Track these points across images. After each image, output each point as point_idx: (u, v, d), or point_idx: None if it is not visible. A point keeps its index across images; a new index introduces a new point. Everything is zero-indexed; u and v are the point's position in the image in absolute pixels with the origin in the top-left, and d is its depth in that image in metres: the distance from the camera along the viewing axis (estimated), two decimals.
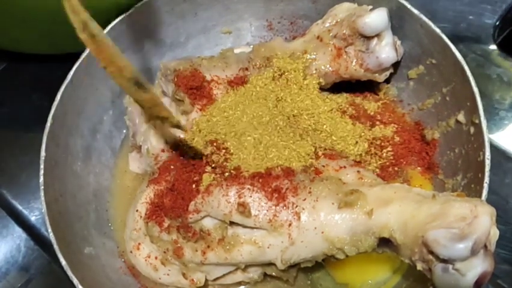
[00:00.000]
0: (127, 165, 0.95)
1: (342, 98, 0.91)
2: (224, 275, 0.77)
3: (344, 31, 0.85)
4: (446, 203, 0.62)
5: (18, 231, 0.95)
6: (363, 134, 0.86)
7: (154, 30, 0.96)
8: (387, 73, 0.88)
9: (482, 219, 0.59)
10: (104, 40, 0.56)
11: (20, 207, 0.96)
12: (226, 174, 0.73)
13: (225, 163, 0.75)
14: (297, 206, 0.69)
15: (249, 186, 0.70)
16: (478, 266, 0.59)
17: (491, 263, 0.60)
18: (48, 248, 0.87)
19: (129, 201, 0.89)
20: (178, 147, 0.82)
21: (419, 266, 0.64)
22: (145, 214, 0.78)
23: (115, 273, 0.82)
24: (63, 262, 0.73)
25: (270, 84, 0.87)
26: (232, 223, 0.71)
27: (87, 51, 0.87)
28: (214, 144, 0.77)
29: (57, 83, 0.85)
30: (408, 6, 0.84)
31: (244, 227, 0.71)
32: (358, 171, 0.75)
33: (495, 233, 0.61)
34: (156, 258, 0.77)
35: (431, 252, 0.61)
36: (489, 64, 1.01)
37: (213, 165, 0.75)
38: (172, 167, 0.79)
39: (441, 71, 0.84)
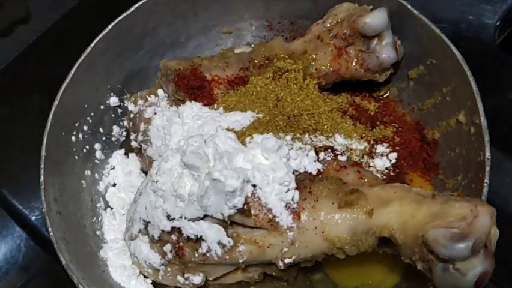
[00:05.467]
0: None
1: (342, 98, 0.91)
2: (224, 275, 0.77)
3: (344, 31, 0.85)
4: (446, 202, 0.62)
5: (18, 231, 0.95)
6: (364, 135, 0.86)
7: (154, 30, 0.96)
8: (388, 73, 0.88)
9: (482, 218, 0.59)
10: None
11: (20, 207, 0.96)
12: None
13: None
14: (297, 206, 0.69)
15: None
16: (478, 266, 0.59)
17: (491, 262, 0.60)
18: (48, 248, 0.87)
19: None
20: None
21: (420, 266, 0.64)
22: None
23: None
24: (63, 262, 0.73)
25: (270, 84, 0.87)
26: (232, 223, 0.71)
27: (87, 51, 0.87)
28: None
29: (58, 83, 0.85)
30: (409, 6, 0.84)
31: (245, 226, 0.71)
32: (358, 171, 0.75)
33: (495, 233, 0.61)
34: (156, 258, 0.77)
35: (432, 252, 0.61)
36: (489, 64, 1.01)
37: None
38: None
39: (442, 71, 0.84)
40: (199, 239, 0.72)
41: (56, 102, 0.84)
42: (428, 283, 0.65)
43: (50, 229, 0.75)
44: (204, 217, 0.71)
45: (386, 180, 0.82)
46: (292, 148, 0.77)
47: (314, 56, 0.87)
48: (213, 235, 0.71)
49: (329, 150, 0.79)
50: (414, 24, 0.84)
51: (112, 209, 0.90)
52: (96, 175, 0.92)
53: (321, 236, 0.69)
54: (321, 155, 0.78)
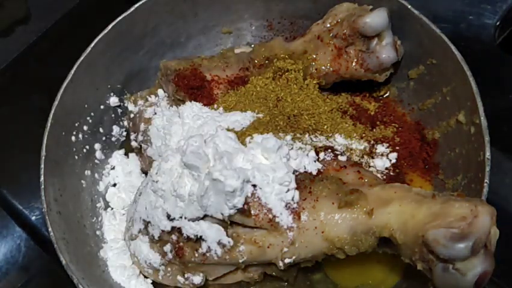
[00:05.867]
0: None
1: (342, 98, 0.91)
2: (224, 275, 0.76)
3: (344, 31, 0.85)
4: (446, 202, 0.62)
5: (18, 231, 0.95)
6: (364, 135, 0.86)
7: (154, 30, 0.96)
8: (388, 73, 0.88)
9: (482, 218, 0.59)
10: None
11: (20, 207, 0.96)
12: None
13: None
14: (297, 206, 0.69)
15: None
16: (478, 266, 0.59)
17: (491, 262, 0.60)
18: (48, 248, 0.87)
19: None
20: None
21: (420, 266, 0.64)
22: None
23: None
24: (63, 262, 0.73)
25: (270, 84, 0.87)
26: (232, 223, 0.71)
27: (87, 51, 0.87)
28: None
29: (58, 83, 0.85)
30: (409, 6, 0.84)
31: (245, 226, 0.71)
32: (358, 171, 0.75)
33: (495, 233, 0.61)
34: (156, 258, 0.77)
35: (432, 252, 0.61)
36: (489, 64, 1.01)
37: None
38: None
39: (442, 71, 0.84)
40: (199, 239, 0.72)
41: (56, 102, 0.84)
42: (428, 283, 0.65)
43: (50, 229, 0.75)
44: (204, 217, 0.71)
45: (386, 180, 0.82)
46: (292, 148, 0.77)
47: (314, 56, 0.87)
48: (213, 235, 0.71)
49: (329, 150, 0.79)
50: (414, 24, 0.84)
51: (112, 209, 0.90)
52: (96, 175, 0.92)
53: (321, 236, 0.69)
54: (321, 155, 0.78)
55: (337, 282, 0.82)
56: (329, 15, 0.89)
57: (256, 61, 0.89)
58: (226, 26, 1.02)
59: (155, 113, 0.88)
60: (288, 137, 0.80)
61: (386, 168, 0.85)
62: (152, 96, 0.93)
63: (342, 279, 0.82)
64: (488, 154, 0.73)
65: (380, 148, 0.86)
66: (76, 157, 0.88)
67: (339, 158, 0.78)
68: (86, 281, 0.74)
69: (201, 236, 0.71)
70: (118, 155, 0.96)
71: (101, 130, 0.94)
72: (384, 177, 0.84)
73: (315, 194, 0.70)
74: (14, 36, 1.17)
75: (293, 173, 0.72)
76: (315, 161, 0.76)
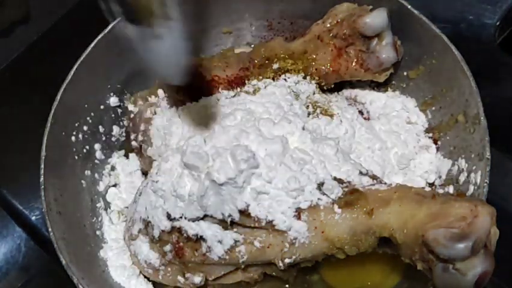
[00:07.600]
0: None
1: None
2: (224, 275, 0.76)
3: (345, 31, 0.85)
4: (446, 202, 0.62)
5: (18, 231, 0.95)
6: None
7: None
8: (388, 73, 0.88)
9: (482, 218, 0.59)
10: None
11: (20, 207, 0.96)
12: None
13: None
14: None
15: None
16: (478, 266, 0.59)
17: (491, 262, 0.60)
18: (48, 248, 0.87)
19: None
20: None
21: (420, 266, 0.64)
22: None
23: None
24: (63, 262, 0.73)
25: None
26: (232, 223, 0.71)
27: (88, 50, 0.87)
28: None
29: (58, 83, 0.85)
30: (409, 6, 0.84)
31: (245, 226, 0.71)
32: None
33: (495, 233, 0.61)
34: (156, 258, 0.77)
35: (431, 252, 0.61)
36: (489, 64, 1.01)
37: None
38: None
39: (442, 71, 0.84)
40: (199, 239, 0.72)
41: (56, 102, 0.83)
42: (428, 283, 0.65)
43: (50, 229, 0.75)
44: (204, 217, 0.71)
45: None
46: None
47: (314, 56, 0.87)
48: (213, 235, 0.71)
49: None
50: (414, 24, 0.84)
51: (112, 209, 0.90)
52: (96, 175, 0.92)
53: (321, 236, 0.69)
54: None
55: (334, 286, 0.82)
56: (329, 15, 0.89)
57: (256, 61, 0.89)
58: (226, 26, 1.02)
59: (155, 113, 0.88)
60: None
61: None
62: (152, 96, 0.93)
63: (339, 283, 0.82)
64: (488, 154, 0.73)
65: None
66: (76, 157, 0.88)
67: None
68: (86, 281, 0.74)
69: (201, 236, 0.71)
70: (118, 155, 0.96)
71: (101, 130, 0.94)
72: None
73: None
74: (14, 36, 1.17)
75: None
76: None
